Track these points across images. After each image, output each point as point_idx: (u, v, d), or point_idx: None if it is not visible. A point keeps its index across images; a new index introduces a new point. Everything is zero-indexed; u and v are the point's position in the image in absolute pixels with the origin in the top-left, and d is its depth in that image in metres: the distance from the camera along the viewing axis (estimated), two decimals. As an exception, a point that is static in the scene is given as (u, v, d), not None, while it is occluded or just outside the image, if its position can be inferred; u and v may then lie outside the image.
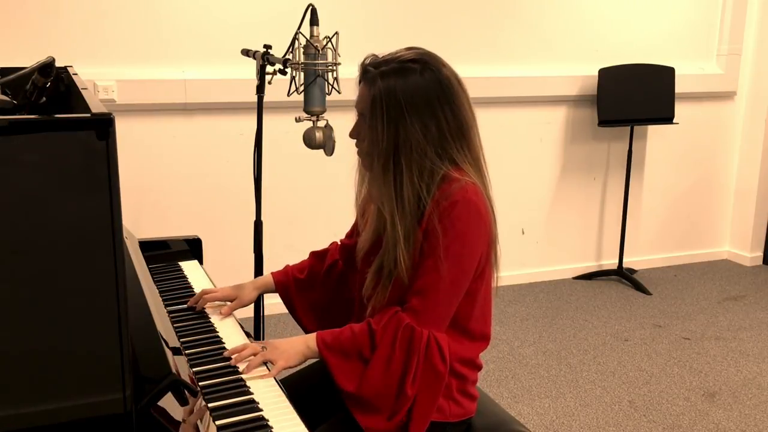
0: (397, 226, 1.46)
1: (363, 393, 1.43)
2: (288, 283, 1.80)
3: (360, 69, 1.52)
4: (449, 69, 1.50)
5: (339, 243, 1.82)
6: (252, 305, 2.18)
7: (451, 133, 1.47)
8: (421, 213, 1.46)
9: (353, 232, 1.78)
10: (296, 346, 1.51)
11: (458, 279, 1.46)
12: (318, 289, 1.79)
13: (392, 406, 1.44)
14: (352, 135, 1.55)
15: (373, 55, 1.52)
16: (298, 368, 1.75)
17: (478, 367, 1.60)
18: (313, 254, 1.84)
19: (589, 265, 4.34)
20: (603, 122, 3.94)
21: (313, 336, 1.51)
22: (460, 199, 1.43)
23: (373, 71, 1.47)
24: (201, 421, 1.21)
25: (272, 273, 1.83)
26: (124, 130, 3.20)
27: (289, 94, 1.92)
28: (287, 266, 1.84)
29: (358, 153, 1.57)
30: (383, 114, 1.44)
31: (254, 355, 1.49)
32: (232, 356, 1.50)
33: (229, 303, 1.78)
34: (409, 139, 1.44)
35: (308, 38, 1.86)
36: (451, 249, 1.43)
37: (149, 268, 1.91)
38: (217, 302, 1.78)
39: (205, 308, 1.77)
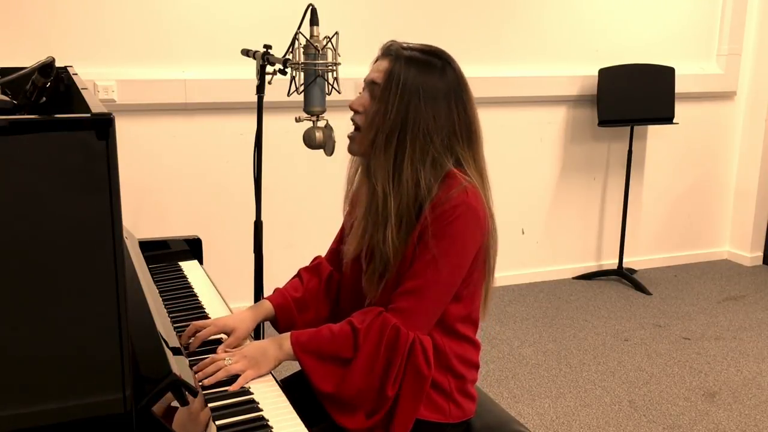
0: (390, 204, 1.44)
1: (343, 393, 1.41)
2: (288, 305, 1.67)
3: (383, 47, 1.52)
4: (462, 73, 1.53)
5: (323, 256, 1.77)
6: (252, 303, 2.18)
7: (461, 129, 1.48)
8: (419, 205, 1.45)
9: (341, 237, 1.73)
10: (268, 351, 1.46)
11: (449, 283, 1.45)
12: (320, 304, 1.71)
13: (372, 406, 1.43)
14: (354, 106, 1.52)
15: (394, 41, 1.53)
16: (298, 368, 1.75)
17: (476, 367, 1.60)
18: (305, 270, 1.75)
19: (589, 265, 4.33)
20: (603, 122, 3.93)
21: (286, 336, 1.46)
22: (460, 203, 1.43)
23: (399, 48, 1.48)
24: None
25: (268, 298, 1.69)
26: (124, 130, 3.20)
27: (289, 94, 1.92)
28: (278, 289, 1.72)
29: (352, 135, 1.53)
30: (398, 88, 1.44)
31: (219, 369, 1.42)
32: (202, 376, 1.42)
33: (225, 336, 1.59)
34: (418, 120, 1.44)
35: (308, 38, 1.86)
36: (447, 253, 1.42)
37: (149, 268, 1.91)
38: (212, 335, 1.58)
39: (204, 309, 1.76)
